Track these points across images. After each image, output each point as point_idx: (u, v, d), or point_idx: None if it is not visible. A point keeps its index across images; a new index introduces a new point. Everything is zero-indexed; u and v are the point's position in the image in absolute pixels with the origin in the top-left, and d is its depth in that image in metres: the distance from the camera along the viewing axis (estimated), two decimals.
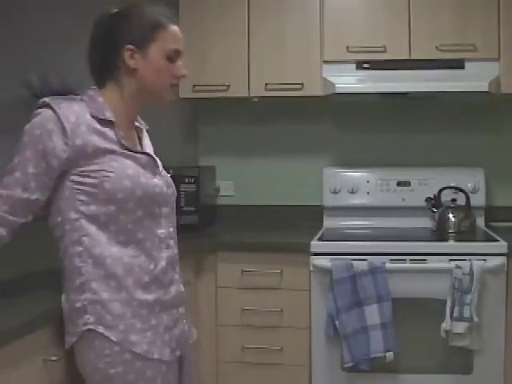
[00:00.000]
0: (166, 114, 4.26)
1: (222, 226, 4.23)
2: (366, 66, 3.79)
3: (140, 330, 2.00)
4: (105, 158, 1.99)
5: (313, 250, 3.45)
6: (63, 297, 2.05)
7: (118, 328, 1.98)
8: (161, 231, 2.10)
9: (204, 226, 3.98)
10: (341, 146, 4.27)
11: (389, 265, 3.34)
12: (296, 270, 3.49)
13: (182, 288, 2.20)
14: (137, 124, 2.26)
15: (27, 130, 1.99)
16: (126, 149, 2.06)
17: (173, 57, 2.10)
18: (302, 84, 3.85)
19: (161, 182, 2.13)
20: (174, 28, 2.11)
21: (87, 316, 1.98)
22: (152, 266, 2.05)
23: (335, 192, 4.10)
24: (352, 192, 4.09)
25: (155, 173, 2.13)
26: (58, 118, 1.96)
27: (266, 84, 3.88)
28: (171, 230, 2.17)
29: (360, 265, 3.33)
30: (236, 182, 4.40)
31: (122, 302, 1.99)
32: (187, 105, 4.31)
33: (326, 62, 3.84)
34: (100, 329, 1.97)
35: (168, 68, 2.10)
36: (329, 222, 4.11)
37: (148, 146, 2.25)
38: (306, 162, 4.30)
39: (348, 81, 3.78)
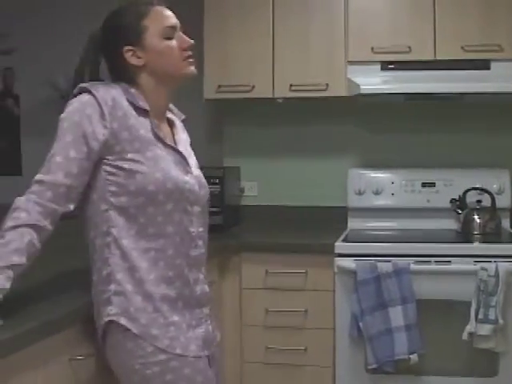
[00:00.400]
0: (191, 115, 4.26)
1: (246, 226, 4.24)
2: (390, 66, 3.79)
3: (162, 325, 2.00)
4: (139, 145, 2.00)
5: (337, 251, 3.44)
6: (93, 291, 2.07)
7: (140, 321, 1.98)
8: (192, 229, 2.10)
9: (228, 226, 3.99)
10: (365, 146, 4.26)
11: (413, 266, 3.32)
12: (320, 271, 3.50)
13: (206, 288, 2.19)
14: (170, 116, 2.26)
15: (65, 117, 1.99)
16: (160, 140, 2.06)
17: (170, 33, 2.10)
18: (327, 85, 3.84)
19: (193, 180, 2.12)
20: (156, 8, 2.10)
21: (111, 307, 1.99)
22: (178, 262, 2.05)
23: (360, 193, 4.09)
24: (376, 193, 4.08)
25: (186, 171, 2.12)
26: (97, 101, 1.98)
27: (291, 85, 3.88)
28: (201, 229, 2.16)
29: (384, 266, 3.32)
30: (260, 183, 4.40)
31: (144, 296, 1.99)
32: (212, 105, 4.32)
33: (350, 62, 3.83)
34: (122, 320, 1.98)
35: (171, 46, 2.09)
36: (353, 224, 4.11)
37: (182, 141, 2.23)
38: (331, 162, 4.30)
39: (373, 82, 3.76)
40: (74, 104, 2.01)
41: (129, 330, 1.98)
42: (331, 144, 4.30)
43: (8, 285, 1.82)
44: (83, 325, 2.08)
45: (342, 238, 3.64)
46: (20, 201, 1.92)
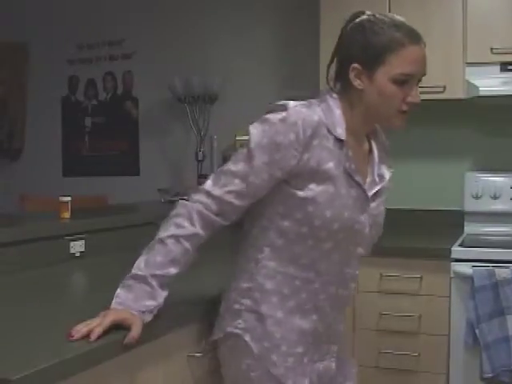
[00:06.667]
0: None
1: None
2: (510, 67, 3.69)
3: (284, 353, 1.97)
4: (322, 178, 1.88)
5: (454, 256, 3.39)
6: (226, 293, 2.06)
7: (263, 343, 1.97)
8: (347, 270, 2.02)
9: None
10: (483, 150, 4.17)
11: None
12: (436, 276, 3.44)
13: (341, 328, 2.13)
14: (373, 142, 2.10)
15: (254, 136, 1.88)
16: (348, 174, 1.93)
17: (403, 80, 1.90)
18: (444, 87, 3.78)
19: (366, 221, 1.98)
20: (412, 49, 1.91)
21: (240, 321, 1.99)
22: (322, 297, 1.99)
23: (477, 197, 4.01)
24: (494, 197, 3.99)
25: (363, 210, 1.97)
26: (295, 128, 1.85)
27: None
28: (357, 272, 2.07)
29: (502, 272, 3.24)
30: None
31: (275, 321, 1.97)
32: None
33: (469, 64, 3.76)
34: (247, 337, 1.97)
35: (396, 93, 1.90)
36: (470, 228, 4.03)
37: (374, 171, 2.06)
38: (447, 165, 4.24)
39: (492, 83, 3.69)
40: (270, 125, 1.88)
41: (249, 346, 1.97)
42: (448, 146, 4.24)
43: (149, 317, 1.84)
44: (203, 323, 2.12)
45: (458, 242, 3.58)
46: (185, 207, 1.91)
